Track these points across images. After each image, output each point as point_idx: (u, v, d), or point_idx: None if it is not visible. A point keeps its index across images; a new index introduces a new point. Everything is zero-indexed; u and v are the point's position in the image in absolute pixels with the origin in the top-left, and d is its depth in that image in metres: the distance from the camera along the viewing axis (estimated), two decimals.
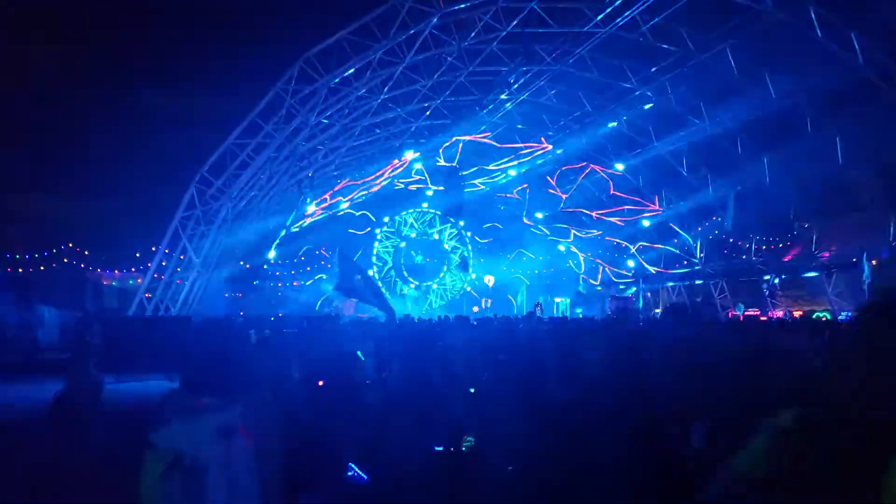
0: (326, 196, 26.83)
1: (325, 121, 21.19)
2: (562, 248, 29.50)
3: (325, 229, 29.45)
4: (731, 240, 24.09)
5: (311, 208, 27.24)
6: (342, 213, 29.32)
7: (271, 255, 26.10)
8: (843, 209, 21.55)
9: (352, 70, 17.77)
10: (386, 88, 20.55)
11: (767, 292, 22.53)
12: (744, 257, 23.92)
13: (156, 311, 18.47)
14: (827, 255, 22.30)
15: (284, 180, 23.39)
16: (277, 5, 18.39)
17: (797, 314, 22.40)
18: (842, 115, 18.77)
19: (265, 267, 25.32)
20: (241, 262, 27.58)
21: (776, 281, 22.84)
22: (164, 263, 18.61)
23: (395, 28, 17.20)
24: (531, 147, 24.95)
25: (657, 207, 24.54)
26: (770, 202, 21.67)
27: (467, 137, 24.66)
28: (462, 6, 16.73)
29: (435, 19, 16.84)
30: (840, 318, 20.43)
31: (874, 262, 19.76)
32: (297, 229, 28.28)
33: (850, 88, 17.62)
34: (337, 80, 17.95)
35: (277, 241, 26.29)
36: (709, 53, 18.40)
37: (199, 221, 19.04)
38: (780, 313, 22.60)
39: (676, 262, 25.49)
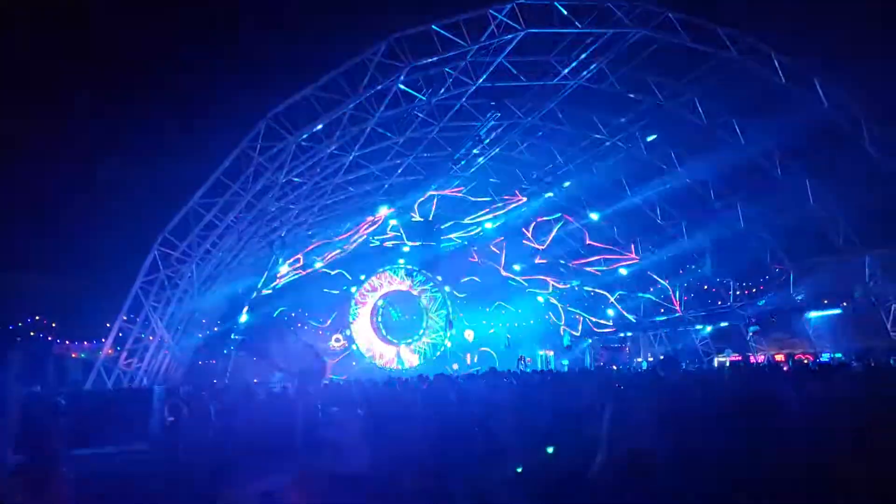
0: (299, 256, 26.24)
1: (296, 179, 20.84)
2: (541, 299, 29.17)
3: (299, 290, 28.74)
4: (706, 287, 24.04)
5: (283, 269, 26.60)
6: (317, 272, 28.70)
7: (243, 318, 25.22)
8: (817, 251, 21.73)
9: (320, 126, 17.53)
10: (357, 145, 20.35)
11: (749, 336, 22.35)
12: (720, 303, 23.82)
13: (117, 382, 17.42)
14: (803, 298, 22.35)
15: (255, 241, 22.81)
16: (242, 61, 18.20)
17: (779, 358, 22.22)
18: (810, 159, 19.11)
19: (232, 335, 24.38)
20: (213, 328, 26.64)
21: (756, 328, 22.72)
22: (120, 334, 17.70)
23: (364, 84, 17.10)
24: (505, 200, 24.88)
25: (634, 256, 24.47)
26: (746, 247, 21.75)
27: (441, 192, 24.51)
28: (431, 60, 16.73)
29: (403, 75, 16.79)
30: (822, 359, 20.33)
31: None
32: (269, 291, 27.53)
33: (816, 133, 17.98)
34: (305, 137, 17.67)
35: (248, 305, 25.45)
36: (677, 101, 18.68)
37: (164, 286, 18.26)
38: (761, 358, 22.39)
39: (655, 311, 25.30)
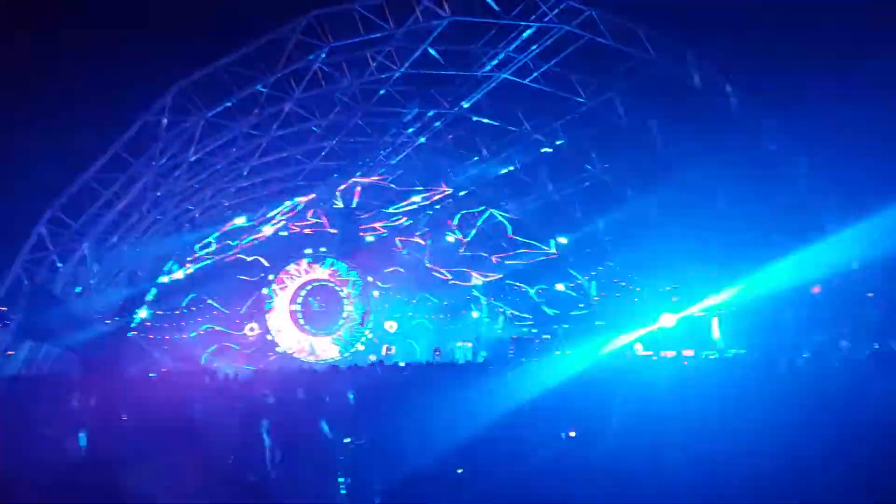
0: (212, 240, 25.08)
1: (209, 158, 19.86)
2: (469, 295, 29.18)
3: (212, 276, 27.47)
4: (623, 283, 24.62)
5: (195, 254, 25.38)
6: (232, 258, 27.53)
7: (142, 311, 23.84)
8: (731, 251, 22.57)
9: (232, 103, 16.68)
10: (275, 126, 19.55)
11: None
12: (636, 300, 24.45)
13: None
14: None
15: (162, 222, 21.60)
16: (152, 25, 17.05)
17: (688, 354, 22.97)
18: (721, 160, 19.75)
19: (135, 319, 23.00)
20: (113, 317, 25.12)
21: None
22: None
23: (282, 61, 16.36)
24: (431, 191, 24.62)
25: (553, 251, 24.77)
26: (658, 247, 22.32)
27: (365, 180, 23.99)
28: (353, 41, 16.19)
29: (323, 54, 16.17)
30: (728, 355, 21.16)
31: None
32: (180, 277, 26.20)
33: (727, 135, 18.60)
34: (217, 113, 16.78)
35: (155, 290, 24.11)
36: (598, 100, 18.89)
37: (56, 267, 16.96)
38: (671, 353, 23.08)
39: (574, 305, 25.74)
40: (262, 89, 17.14)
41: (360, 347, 29.07)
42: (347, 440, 5.47)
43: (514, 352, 21.92)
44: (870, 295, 20.17)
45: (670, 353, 21.90)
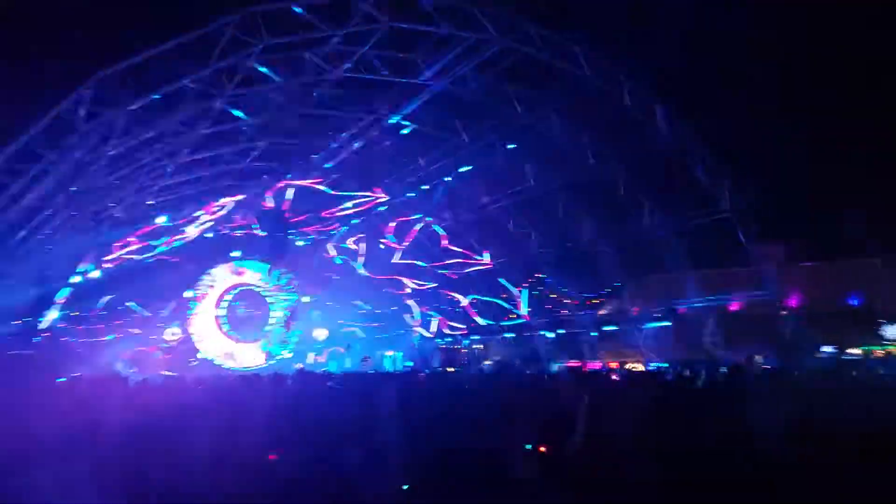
0: (132, 240, 23.89)
1: (132, 153, 18.92)
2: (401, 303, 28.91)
3: (134, 277, 26.14)
4: (554, 295, 25.06)
5: (114, 253, 24.06)
6: (155, 259, 26.26)
7: (52, 313, 22.42)
8: (651, 268, 23.41)
9: (158, 97, 15.93)
10: (205, 123, 18.82)
11: (586, 345, 23.53)
12: (566, 312, 24.93)
13: None
14: (637, 310, 23.95)
15: (78, 218, 20.38)
16: (71, 17, 16.12)
17: (613, 365, 23.57)
18: (648, 182, 20.47)
19: (40, 322, 21.60)
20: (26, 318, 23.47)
21: (594, 334, 23.99)
22: None
23: (214, 57, 15.75)
24: (365, 196, 24.30)
25: (487, 262, 24.94)
26: (588, 260, 22.88)
27: (298, 183, 23.42)
28: (288, 41, 15.79)
29: (258, 49, 15.67)
30: (650, 367, 21.85)
31: None
32: (96, 277, 24.77)
33: (656, 157, 19.29)
34: (141, 107, 15.98)
35: (67, 291, 22.71)
36: (534, 115, 19.16)
37: None
38: (598, 364, 23.65)
39: (506, 315, 25.98)
40: (192, 85, 16.46)
41: (287, 355, 28.29)
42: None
43: (438, 362, 21.87)
44: (785, 312, 21.35)
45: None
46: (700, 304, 22.32)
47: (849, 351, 21.54)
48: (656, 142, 18.79)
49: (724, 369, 13.09)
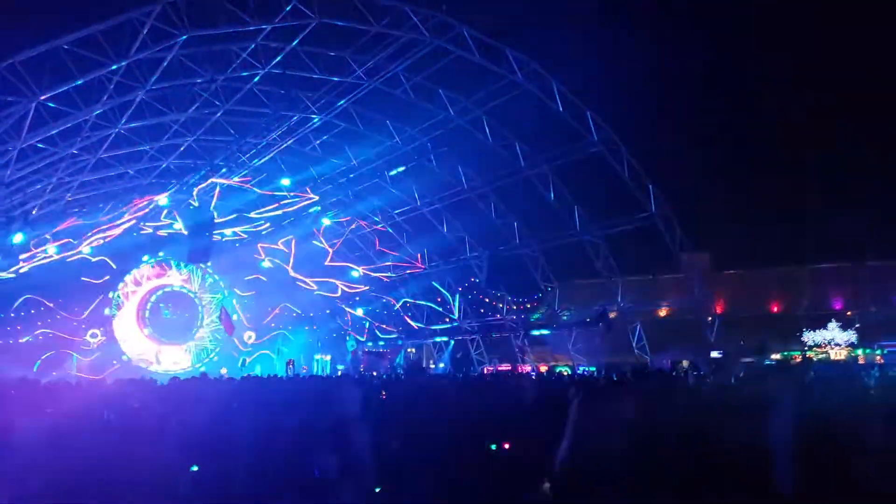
0: (48, 236, 22.71)
1: (48, 147, 18.01)
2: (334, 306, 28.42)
3: (52, 277, 24.86)
4: (486, 299, 25.12)
5: (30, 252, 22.79)
6: (75, 258, 25.04)
7: None
8: (581, 273, 23.74)
9: (71, 88, 15.18)
10: (125, 117, 18.08)
11: (518, 349, 23.64)
12: (498, 316, 25.01)
13: None
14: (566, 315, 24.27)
15: None
16: None
17: (542, 368, 23.78)
18: (579, 186, 20.76)
19: None
20: None
21: (525, 339, 24.14)
22: None
23: (134, 47, 15.10)
24: (296, 196, 23.78)
25: (420, 265, 24.79)
26: (520, 264, 23.06)
27: (225, 181, 22.71)
28: (212, 32, 15.31)
29: (181, 40, 15.12)
30: (579, 371, 22.13)
31: None
32: (10, 275, 23.42)
33: (585, 162, 19.59)
34: (52, 98, 15.19)
35: None
36: (466, 118, 19.20)
37: None
38: (528, 368, 23.81)
39: (439, 319, 25.87)
40: (110, 75, 15.76)
41: (214, 358, 27.42)
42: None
43: (364, 366, 21.55)
44: (710, 319, 21.97)
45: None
46: (629, 310, 22.77)
47: (772, 357, 22.36)
48: (585, 147, 19.08)
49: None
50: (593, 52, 19.15)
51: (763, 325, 23.48)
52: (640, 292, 23.83)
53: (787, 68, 21.91)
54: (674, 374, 14.81)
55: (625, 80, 20.33)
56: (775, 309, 26.02)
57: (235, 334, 26.95)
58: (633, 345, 22.67)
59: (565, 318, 23.65)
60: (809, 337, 23.67)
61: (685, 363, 19.79)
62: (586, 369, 22.16)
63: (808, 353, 23.10)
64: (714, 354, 19.56)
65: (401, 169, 21.45)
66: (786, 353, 23.48)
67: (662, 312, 25.46)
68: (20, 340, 26.60)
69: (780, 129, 23.37)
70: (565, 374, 21.43)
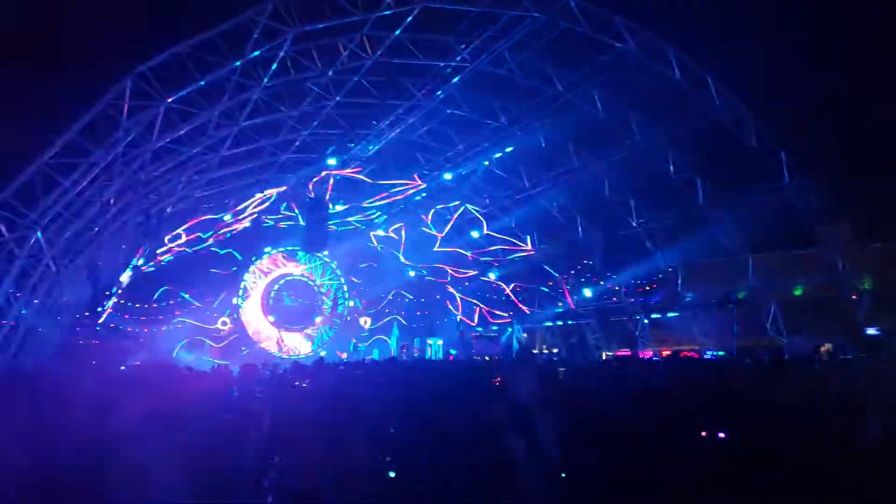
0: (181, 231, 24.41)
1: (176, 147, 19.22)
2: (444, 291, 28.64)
3: (184, 269, 26.82)
4: (601, 281, 24.20)
5: (166, 246, 24.67)
6: (204, 250, 26.84)
7: (110, 302, 23.17)
8: (706, 252, 22.24)
9: (194, 90, 16.04)
10: (243, 115, 18.92)
11: (637, 333, 22.64)
12: (615, 299, 24.04)
13: None
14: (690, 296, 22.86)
15: (128, 213, 20.90)
16: (105, 13, 16.37)
17: (665, 353, 22.62)
18: (701, 158, 19.36)
19: (99, 311, 22.33)
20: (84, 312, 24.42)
21: (646, 321, 23.05)
22: None
23: (248, 47, 15.72)
24: (404, 184, 24.03)
25: (530, 248, 24.29)
26: (637, 244, 21.94)
27: (338, 172, 23.35)
28: (320, 27, 15.60)
29: (290, 37, 15.54)
30: (707, 356, 20.83)
31: None
32: (150, 269, 25.50)
33: (707, 132, 18.20)
34: (179, 101, 16.14)
35: (123, 284, 23.42)
36: (575, 92, 18.39)
37: (15, 255, 16.23)
38: (649, 353, 22.75)
39: (551, 303, 25.29)
40: (229, 75, 16.52)
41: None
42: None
43: (475, 349, 21.42)
44: (855, 297, 19.99)
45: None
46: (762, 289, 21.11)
47: None
48: (707, 115, 17.74)
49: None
50: (709, 16, 17.63)
51: None
52: (773, 270, 21.99)
53: None
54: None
55: (750, 39, 18.55)
56: None
57: (354, 320, 27.82)
58: (767, 326, 21.04)
59: (688, 299, 22.30)
60: None
61: (827, 347, 18.14)
62: (714, 353, 20.85)
63: None
64: (871, 331, 17.65)
65: (509, 150, 20.96)
66: None
67: (797, 291, 23.41)
68: (161, 329, 28.91)
69: None
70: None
